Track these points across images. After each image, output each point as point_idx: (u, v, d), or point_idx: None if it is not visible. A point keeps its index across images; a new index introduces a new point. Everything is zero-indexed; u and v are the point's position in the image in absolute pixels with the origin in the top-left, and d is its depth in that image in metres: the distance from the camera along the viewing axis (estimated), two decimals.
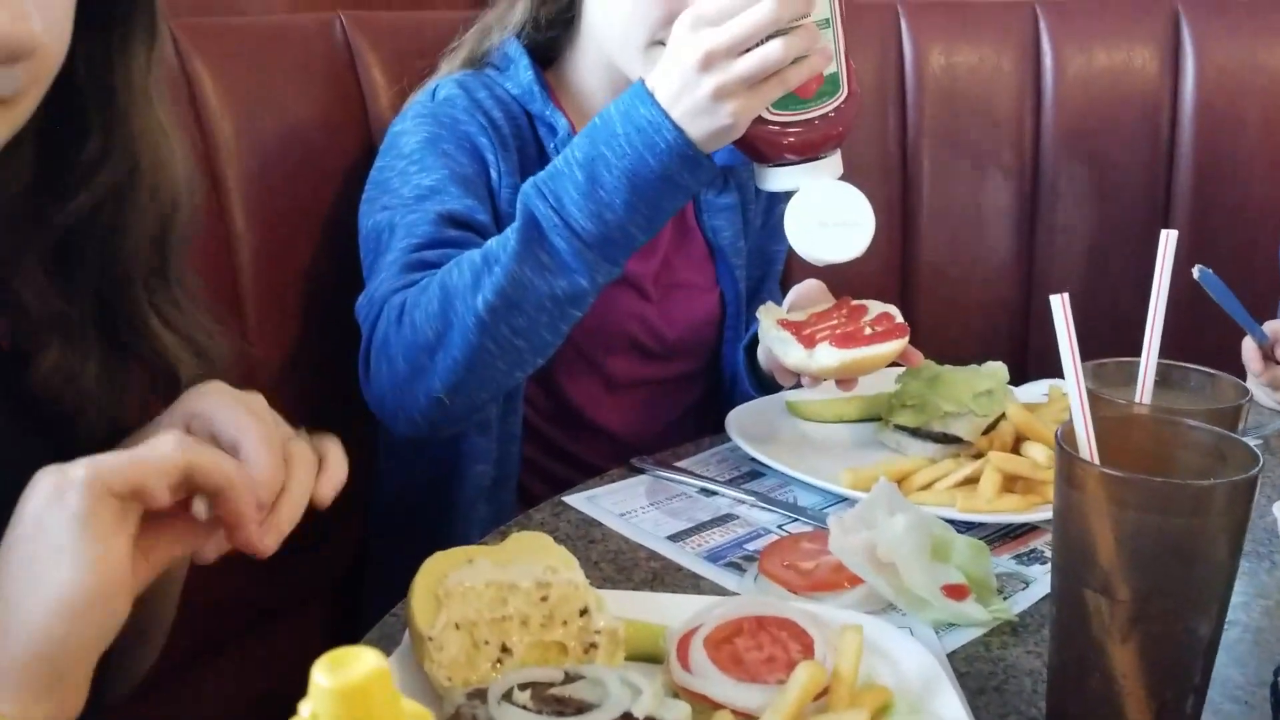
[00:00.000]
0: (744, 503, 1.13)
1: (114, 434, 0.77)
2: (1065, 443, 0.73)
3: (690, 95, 1.03)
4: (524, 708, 0.68)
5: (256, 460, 0.69)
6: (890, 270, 1.87)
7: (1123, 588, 0.70)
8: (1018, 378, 1.39)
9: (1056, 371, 0.76)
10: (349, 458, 0.79)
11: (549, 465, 1.42)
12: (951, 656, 0.87)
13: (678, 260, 1.46)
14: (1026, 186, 1.88)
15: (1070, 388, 0.74)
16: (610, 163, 1.05)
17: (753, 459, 1.20)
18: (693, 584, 0.98)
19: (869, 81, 1.82)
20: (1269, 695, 0.76)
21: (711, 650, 0.77)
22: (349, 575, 1.47)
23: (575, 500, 1.12)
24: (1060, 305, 0.75)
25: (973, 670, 0.85)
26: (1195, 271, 1.36)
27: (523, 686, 0.71)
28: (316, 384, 1.38)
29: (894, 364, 1.21)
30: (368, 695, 0.41)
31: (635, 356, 1.42)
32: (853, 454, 1.22)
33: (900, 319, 1.21)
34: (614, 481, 1.17)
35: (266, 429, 0.71)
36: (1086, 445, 0.73)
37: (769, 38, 1.00)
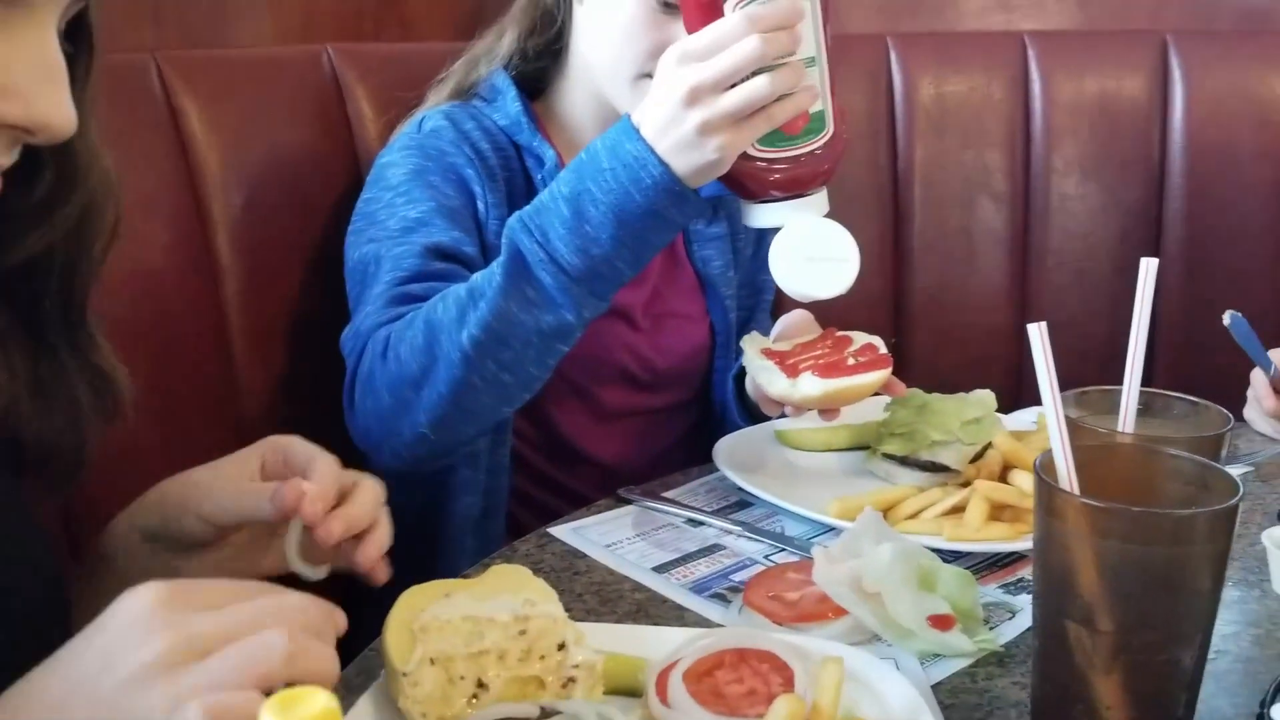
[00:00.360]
0: (731, 533, 1.12)
1: (53, 443, 0.77)
2: (1044, 472, 0.73)
3: (676, 130, 1.02)
4: None
5: (323, 473, 0.81)
6: (883, 299, 1.87)
7: (1104, 618, 0.70)
8: (1014, 404, 1.38)
9: None
10: None
11: (539, 496, 1.41)
12: (937, 688, 0.85)
13: (667, 290, 1.46)
14: (1018, 214, 1.88)
15: (1049, 416, 0.74)
16: (596, 198, 1.05)
17: (741, 489, 1.19)
18: (677, 616, 0.97)
19: (859, 112, 1.82)
20: None
21: (691, 684, 0.76)
22: (342, 606, 1.46)
23: (561, 532, 1.12)
24: (1038, 334, 0.75)
25: (958, 702, 0.84)
26: (1226, 318, 1.35)
27: None
28: (304, 416, 1.37)
29: (878, 395, 1.20)
30: None
31: (625, 387, 1.42)
32: (841, 483, 1.21)
33: (885, 350, 1.20)
34: (601, 512, 1.17)
35: (335, 462, 0.83)
36: (1066, 474, 0.72)
37: (755, 74, 1.00)
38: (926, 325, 1.87)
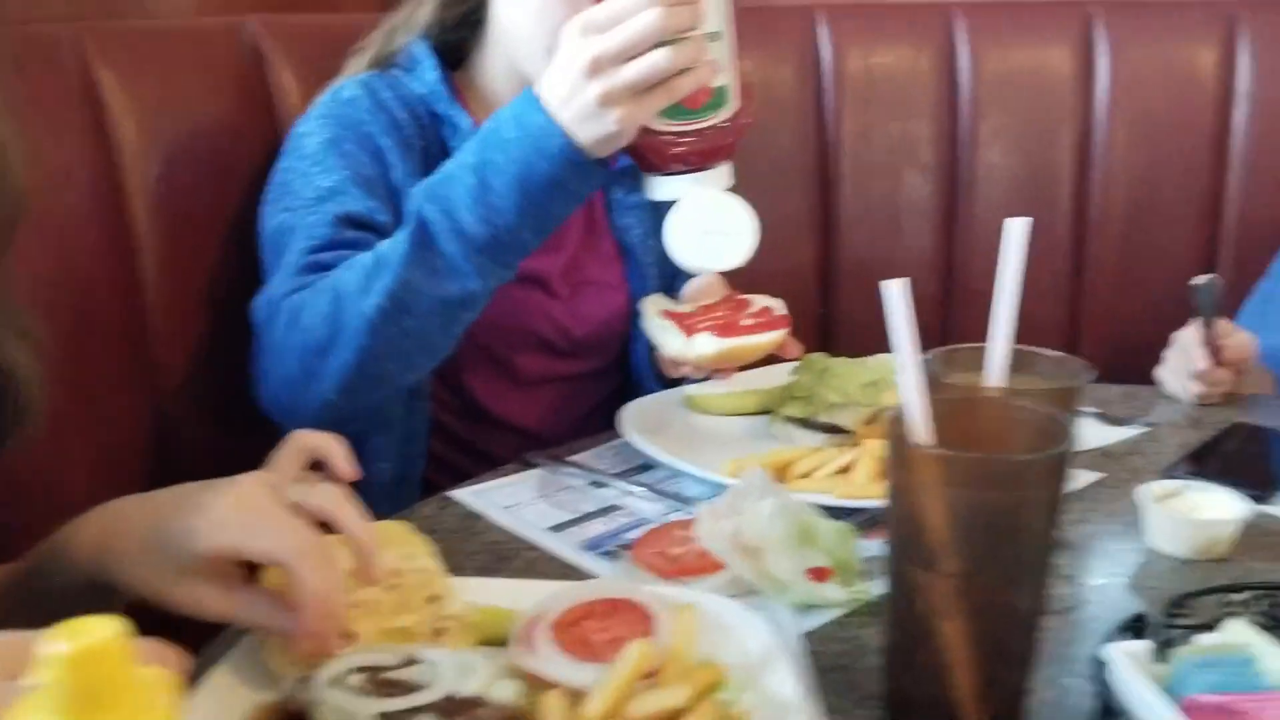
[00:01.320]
0: (631, 494, 1.14)
1: None
2: (895, 425, 0.75)
3: (577, 100, 1.04)
4: (353, 690, 0.70)
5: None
6: (812, 269, 1.89)
7: (946, 562, 0.72)
8: None
9: None
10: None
11: (458, 460, 1.43)
12: (809, 636, 0.88)
13: (586, 258, 1.47)
14: (945, 184, 1.90)
15: (901, 370, 0.76)
16: (500, 167, 1.07)
17: (644, 452, 1.21)
18: (566, 573, 0.99)
19: (787, 84, 1.84)
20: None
21: (560, 633, 0.78)
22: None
23: (461, 495, 1.14)
24: (896, 292, 0.77)
25: (825, 649, 0.87)
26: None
27: (360, 670, 0.72)
28: (222, 387, 1.39)
29: (779, 360, 1.23)
30: (98, 662, 0.42)
31: (543, 354, 1.43)
32: (744, 445, 1.23)
33: (782, 312, 1.22)
34: (506, 476, 1.19)
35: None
36: (918, 426, 0.75)
37: (656, 46, 1.01)
38: (854, 294, 1.89)
